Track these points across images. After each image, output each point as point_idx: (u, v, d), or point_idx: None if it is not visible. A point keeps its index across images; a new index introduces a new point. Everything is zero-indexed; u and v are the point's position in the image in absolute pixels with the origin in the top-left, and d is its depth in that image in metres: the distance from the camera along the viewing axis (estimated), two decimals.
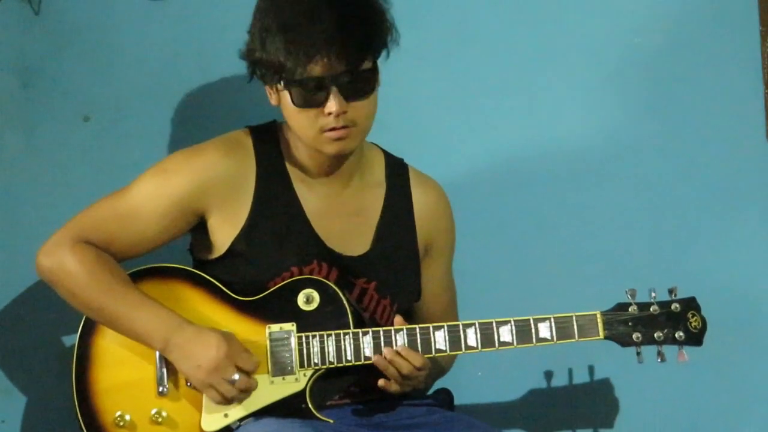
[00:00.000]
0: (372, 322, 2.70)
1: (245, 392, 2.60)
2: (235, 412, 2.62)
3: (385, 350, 2.61)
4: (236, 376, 2.58)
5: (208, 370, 2.57)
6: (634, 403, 3.10)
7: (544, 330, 2.62)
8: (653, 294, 2.64)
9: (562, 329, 2.62)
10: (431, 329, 2.63)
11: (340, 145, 2.63)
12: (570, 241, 3.12)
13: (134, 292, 2.63)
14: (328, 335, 2.63)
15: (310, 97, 2.58)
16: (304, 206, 2.71)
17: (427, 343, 2.63)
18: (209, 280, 2.67)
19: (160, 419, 2.63)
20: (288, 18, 2.56)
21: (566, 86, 3.13)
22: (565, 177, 3.12)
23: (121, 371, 2.65)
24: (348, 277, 2.71)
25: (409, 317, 2.76)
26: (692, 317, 2.65)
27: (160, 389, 2.63)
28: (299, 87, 2.58)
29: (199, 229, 2.71)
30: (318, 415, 2.61)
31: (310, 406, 2.61)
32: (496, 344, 2.63)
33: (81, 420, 2.64)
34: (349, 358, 2.62)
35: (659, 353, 2.64)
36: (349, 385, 2.71)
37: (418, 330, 2.63)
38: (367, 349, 2.62)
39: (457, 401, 2.84)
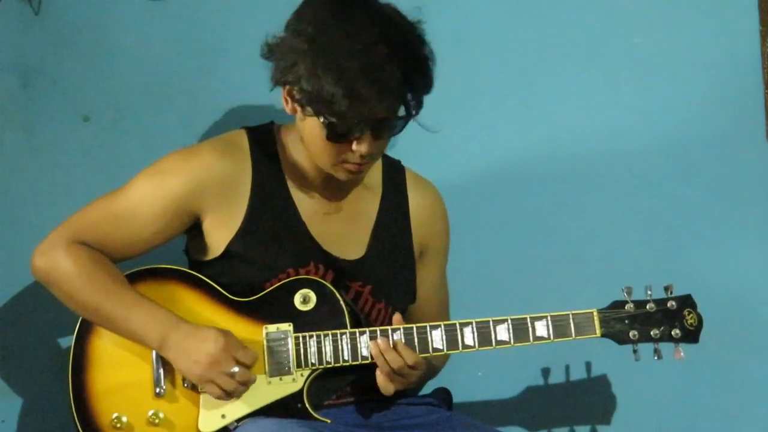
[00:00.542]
0: (367, 326, 2.68)
1: (244, 385, 2.59)
2: (233, 413, 2.61)
3: (380, 340, 2.61)
4: (236, 369, 2.56)
5: (206, 364, 2.56)
6: (631, 401, 3.10)
7: (541, 328, 2.62)
8: (649, 292, 2.64)
9: (559, 327, 2.62)
10: (428, 328, 2.63)
11: (355, 175, 2.63)
12: (567, 240, 3.12)
13: (130, 291, 2.62)
14: (325, 335, 2.62)
15: (343, 133, 2.54)
16: (299, 208, 2.70)
17: (424, 342, 2.62)
18: (205, 281, 2.67)
19: (157, 420, 2.63)
20: (343, 60, 2.46)
21: (565, 86, 3.13)
22: (562, 176, 3.12)
23: (117, 373, 2.65)
24: (343, 280, 2.70)
25: (403, 318, 2.74)
26: (688, 314, 2.65)
27: (157, 390, 2.62)
28: (335, 123, 2.52)
29: (194, 230, 2.70)
30: (315, 415, 2.61)
31: (307, 406, 2.61)
32: (494, 343, 2.62)
33: (78, 423, 2.63)
34: (346, 357, 2.62)
35: (656, 351, 2.64)
36: (347, 385, 2.71)
37: (415, 329, 2.62)
38: (364, 348, 2.62)
39: (455, 400, 2.84)
